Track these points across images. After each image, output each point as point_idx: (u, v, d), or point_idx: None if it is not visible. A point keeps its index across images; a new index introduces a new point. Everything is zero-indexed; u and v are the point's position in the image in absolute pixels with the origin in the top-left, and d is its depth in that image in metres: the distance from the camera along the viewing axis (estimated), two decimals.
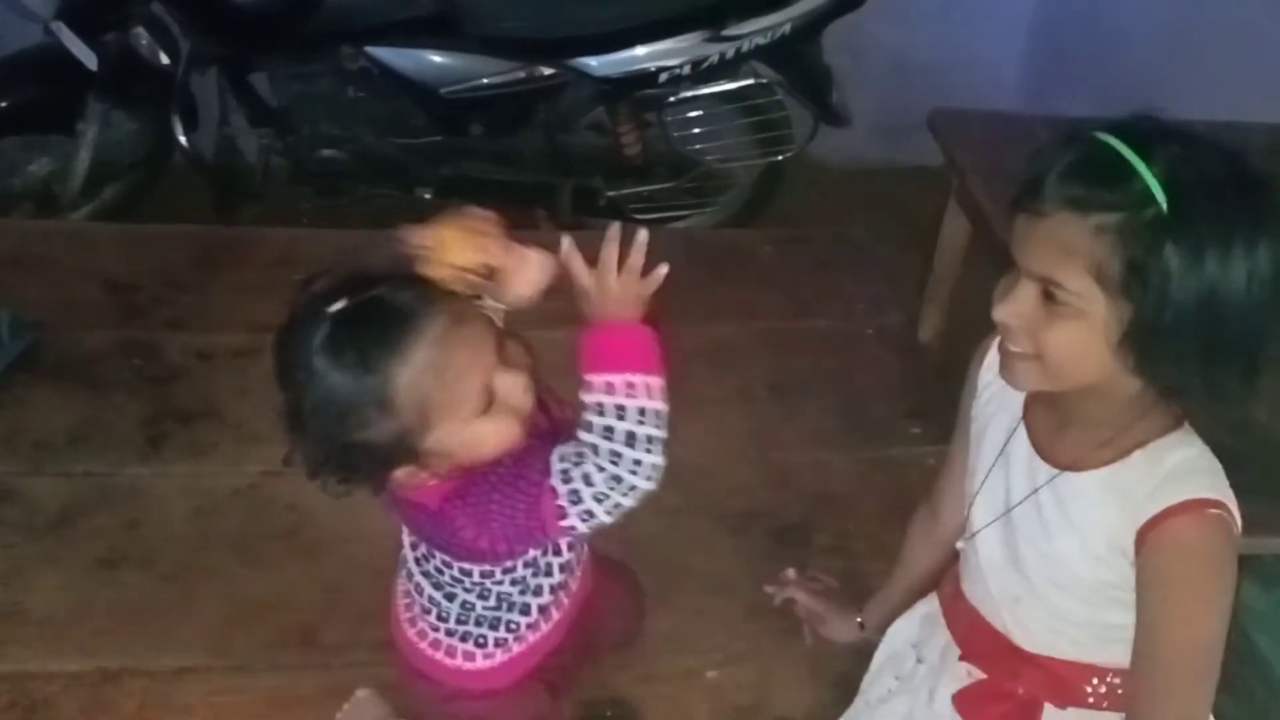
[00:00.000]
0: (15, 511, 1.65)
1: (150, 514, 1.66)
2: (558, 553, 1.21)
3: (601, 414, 1.02)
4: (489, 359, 1.03)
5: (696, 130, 2.69)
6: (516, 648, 1.23)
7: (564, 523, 1.05)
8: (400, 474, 1.04)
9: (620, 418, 1.02)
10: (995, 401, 1.13)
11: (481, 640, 1.22)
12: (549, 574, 1.21)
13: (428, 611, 1.22)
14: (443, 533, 1.11)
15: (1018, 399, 1.09)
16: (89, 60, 2.43)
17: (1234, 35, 2.30)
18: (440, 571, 1.18)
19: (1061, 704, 1.09)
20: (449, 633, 1.22)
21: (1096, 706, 1.08)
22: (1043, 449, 1.05)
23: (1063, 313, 0.90)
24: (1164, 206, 0.84)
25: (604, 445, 1.02)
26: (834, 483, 1.79)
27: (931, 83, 3.23)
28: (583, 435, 1.04)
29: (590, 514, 1.05)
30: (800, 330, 2.10)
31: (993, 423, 1.13)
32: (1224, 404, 0.94)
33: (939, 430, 1.90)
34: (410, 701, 1.34)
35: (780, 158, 2.77)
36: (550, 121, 2.69)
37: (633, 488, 1.04)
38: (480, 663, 1.22)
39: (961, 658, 1.17)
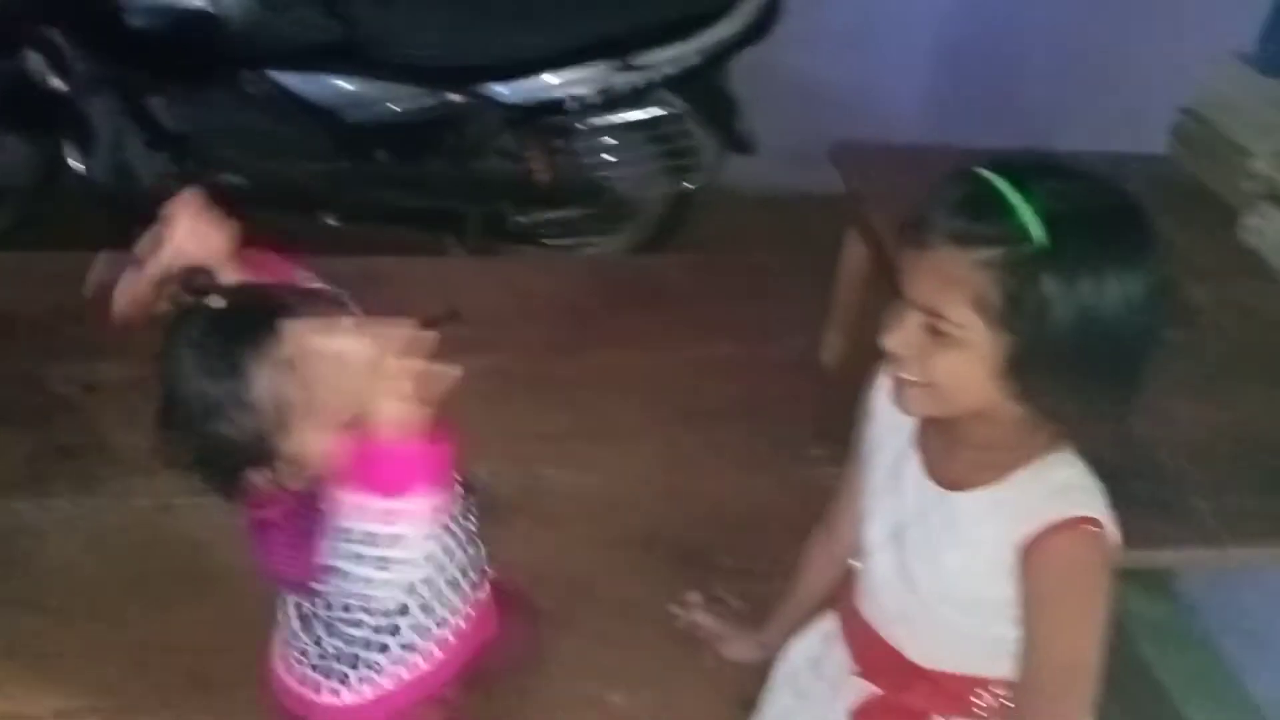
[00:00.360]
0: None
1: (36, 550, 1.61)
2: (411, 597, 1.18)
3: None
4: (358, 378, 0.99)
5: (606, 157, 2.71)
6: (388, 684, 1.21)
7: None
8: (256, 477, 1.03)
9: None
10: (888, 425, 1.15)
11: (344, 678, 1.20)
12: (405, 614, 1.18)
13: (292, 644, 1.21)
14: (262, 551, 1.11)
15: (910, 422, 1.11)
16: None
17: (1120, 68, 2.40)
18: (299, 605, 1.17)
19: (949, 716, 1.12)
20: (313, 667, 1.20)
21: (983, 717, 1.11)
22: (933, 470, 1.08)
23: (946, 342, 0.93)
24: (1042, 240, 0.87)
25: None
26: (739, 505, 1.81)
27: (837, 110, 3.31)
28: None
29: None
30: (707, 356, 2.12)
31: (885, 445, 1.15)
32: (1101, 424, 0.98)
33: (842, 452, 1.91)
34: None
35: (689, 185, 2.80)
36: (458, 148, 2.68)
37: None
38: (347, 699, 1.20)
39: (858, 674, 1.18)
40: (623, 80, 2.55)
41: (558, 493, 1.79)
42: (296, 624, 1.20)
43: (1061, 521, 0.97)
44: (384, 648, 1.19)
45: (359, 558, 1.00)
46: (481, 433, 1.27)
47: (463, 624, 1.25)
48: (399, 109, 2.58)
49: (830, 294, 2.29)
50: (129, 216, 2.63)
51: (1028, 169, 0.91)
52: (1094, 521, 0.98)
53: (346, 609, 1.13)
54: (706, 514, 1.79)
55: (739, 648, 1.49)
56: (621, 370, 2.06)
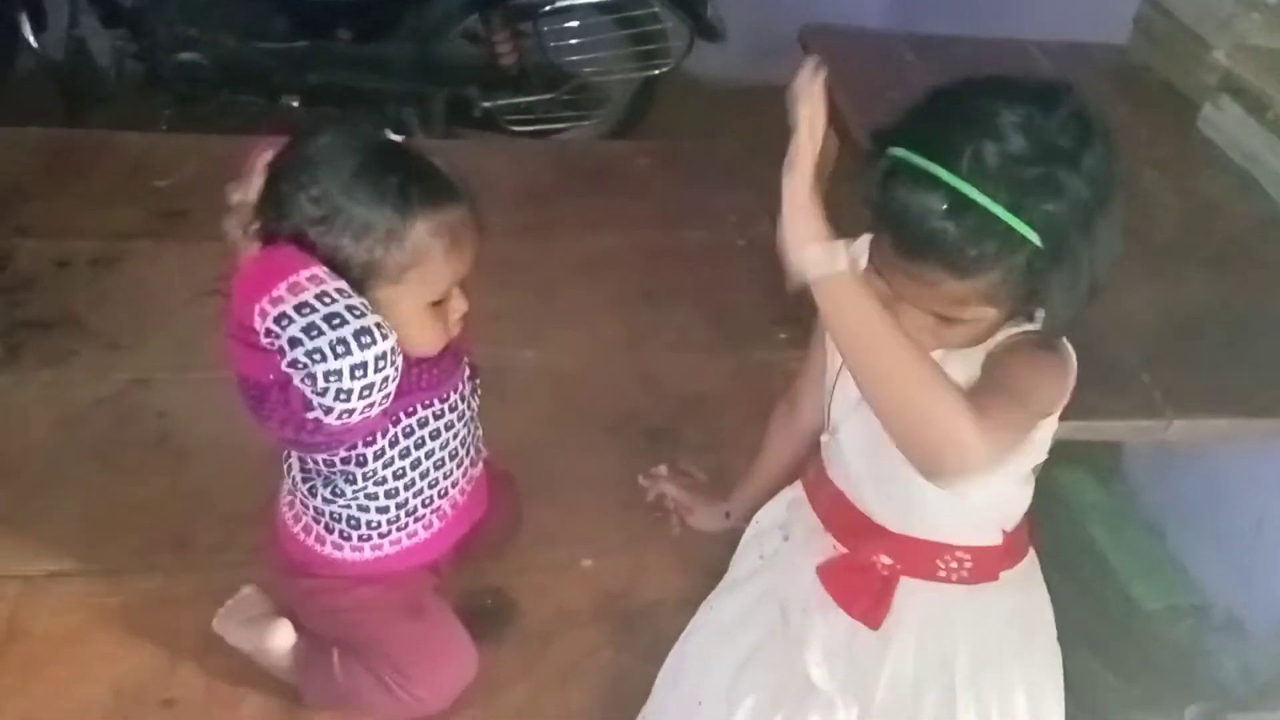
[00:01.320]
0: None
1: (10, 423, 1.62)
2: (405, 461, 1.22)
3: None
4: (466, 269, 1.10)
5: (573, 42, 2.69)
6: (389, 548, 1.26)
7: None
8: None
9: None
10: None
11: (345, 534, 1.25)
12: (399, 478, 1.22)
13: (299, 496, 1.25)
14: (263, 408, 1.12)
15: None
16: None
17: None
18: (303, 461, 1.21)
19: (915, 577, 1.16)
20: (315, 519, 1.25)
21: (947, 580, 1.15)
22: None
23: (959, 323, 0.96)
24: (1038, 242, 0.88)
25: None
26: (704, 386, 1.86)
27: (798, 2, 3.29)
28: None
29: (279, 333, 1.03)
30: (673, 241, 2.15)
31: None
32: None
33: (804, 335, 1.98)
34: (288, 597, 1.35)
35: (656, 72, 2.79)
36: (422, 28, 2.64)
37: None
38: (348, 554, 1.26)
39: (825, 531, 1.23)
40: None
41: (525, 371, 1.82)
42: (299, 480, 1.24)
43: (1016, 332, 1.01)
44: (384, 509, 1.23)
45: (315, 352, 1.00)
46: None
47: (460, 497, 1.30)
48: None
49: None
50: (86, 94, 2.62)
51: (1001, 165, 0.88)
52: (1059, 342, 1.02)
53: (346, 462, 1.17)
54: (672, 393, 1.84)
55: (705, 517, 1.54)
56: (586, 254, 2.08)
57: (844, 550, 1.20)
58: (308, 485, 1.23)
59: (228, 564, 1.46)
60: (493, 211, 2.08)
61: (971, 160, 0.87)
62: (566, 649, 1.44)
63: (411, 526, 1.27)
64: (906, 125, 0.94)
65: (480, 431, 1.34)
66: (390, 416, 1.15)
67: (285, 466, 1.27)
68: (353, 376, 1.01)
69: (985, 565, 1.15)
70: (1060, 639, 1.20)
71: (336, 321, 0.99)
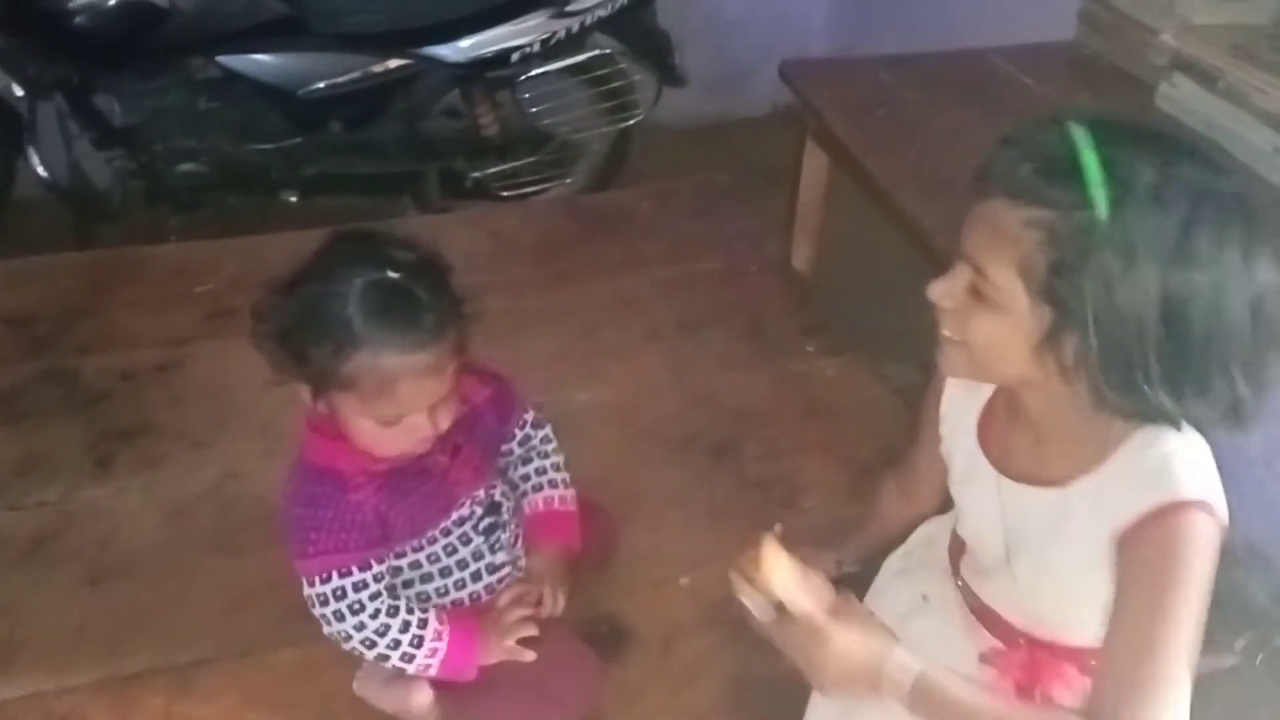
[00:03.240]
0: None
1: (119, 530, 1.69)
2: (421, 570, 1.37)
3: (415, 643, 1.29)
4: (427, 400, 1.18)
5: (549, 105, 2.81)
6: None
7: (306, 585, 1.27)
8: (304, 393, 1.19)
9: (409, 657, 1.30)
10: (957, 427, 1.12)
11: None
12: (408, 587, 1.37)
13: None
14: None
15: (972, 422, 1.09)
16: None
17: None
18: None
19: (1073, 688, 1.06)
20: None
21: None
22: (1005, 467, 1.04)
23: (986, 304, 0.89)
24: (1103, 212, 0.80)
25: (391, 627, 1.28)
26: (752, 400, 1.99)
27: (748, 37, 3.48)
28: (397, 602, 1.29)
29: (316, 607, 1.28)
30: (690, 272, 2.29)
31: (956, 447, 1.12)
32: (1196, 425, 0.90)
33: (830, 344, 2.14)
34: None
35: (629, 122, 2.94)
36: (407, 110, 2.77)
37: (344, 639, 1.29)
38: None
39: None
40: (560, 27, 2.64)
41: (587, 407, 1.93)
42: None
43: (1156, 510, 0.88)
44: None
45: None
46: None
47: (486, 595, 1.40)
48: (347, 79, 2.63)
49: (785, 204, 2.48)
50: (93, 214, 2.70)
51: (1128, 134, 0.83)
52: (1199, 504, 0.88)
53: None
54: (724, 410, 1.97)
55: (819, 565, 1.57)
56: (614, 295, 2.21)
57: (995, 643, 1.12)
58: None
59: None
60: (518, 266, 2.27)
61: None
62: (688, 653, 1.55)
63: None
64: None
65: (515, 529, 1.42)
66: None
67: None
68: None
69: None
70: None
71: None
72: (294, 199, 2.77)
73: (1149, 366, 0.83)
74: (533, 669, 1.37)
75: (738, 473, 1.80)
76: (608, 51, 2.79)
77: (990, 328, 0.90)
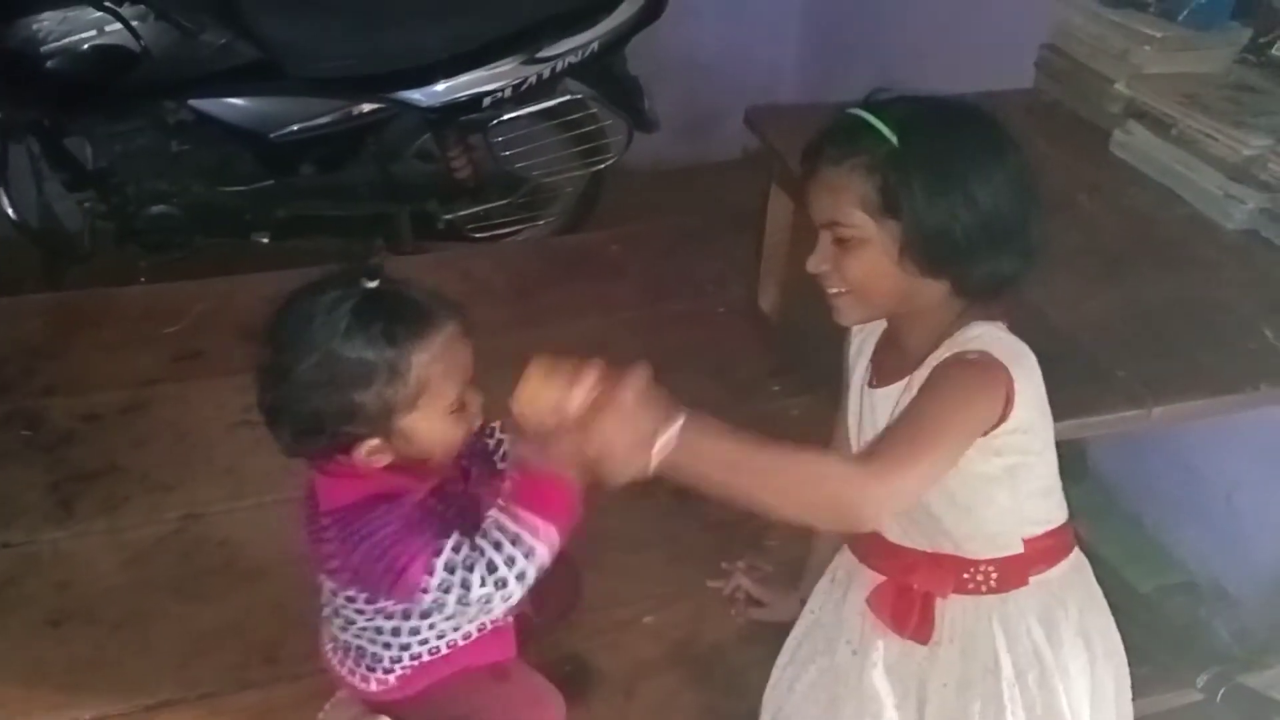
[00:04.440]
0: None
1: (80, 572, 1.68)
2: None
3: (513, 543, 1.18)
4: (469, 371, 1.20)
5: (521, 148, 2.84)
6: (444, 650, 1.33)
7: (421, 593, 1.18)
8: (367, 446, 1.16)
9: (527, 556, 1.19)
10: (857, 370, 1.33)
11: (370, 667, 1.34)
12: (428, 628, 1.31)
13: (328, 629, 1.37)
14: (314, 538, 1.23)
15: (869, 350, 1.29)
16: None
17: (982, 11, 2.64)
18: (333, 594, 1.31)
19: (947, 593, 1.25)
20: (344, 651, 1.36)
21: (977, 591, 1.24)
22: (877, 378, 1.25)
23: (851, 246, 1.11)
24: (893, 141, 1.06)
25: (496, 558, 1.17)
26: None
27: (718, 82, 3.53)
28: (482, 540, 1.19)
29: (445, 594, 1.17)
30: (659, 314, 2.31)
31: (855, 385, 1.33)
32: (1011, 286, 1.13)
33: (795, 384, 2.16)
34: None
35: (600, 166, 2.97)
36: (380, 153, 2.79)
37: (487, 600, 1.19)
38: (373, 687, 1.34)
39: (864, 564, 1.33)
40: (531, 73, 2.68)
41: None
42: (329, 612, 1.34)
43: (955, 355, 1.10)
44: (405, 646, 1.31)
45: (489, 567, 1.16)
46: None
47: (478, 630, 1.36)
48: (319, 122, 2.65)
49: (753, 247, 2.51)
50: (62, 259, 2.70)
51: (886, 101, 1.11)
52: (989, 358, 1.09)
53: (370, 605, 1.27)
54: None
55: (780, 607, 1.62)
56: (583, 336, 2.20)
57: (882, 578, 1.30)
58: (338, 620, 1.33)
59: (318, 670, 1.53)
60: (489, 307, 2.28)
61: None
62: (652, 693, 1.55)
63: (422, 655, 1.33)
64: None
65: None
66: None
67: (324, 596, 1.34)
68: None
69: (1011, 573, 1.23)
70: None
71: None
72: (265, 240, 2.77)
73: (961, 237, 1.07)
74: (498, 703, 1.37)
75: (700, 513, 1.80)
76: (579, 97, 2.83)
77: (861, 262, 1.11)
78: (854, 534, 1.34)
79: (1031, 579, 1.24)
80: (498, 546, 1.18)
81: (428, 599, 1.17)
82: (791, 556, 1.71)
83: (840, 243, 1.12)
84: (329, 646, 1.39)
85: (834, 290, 1.16)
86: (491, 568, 1.17)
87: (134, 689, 1.52)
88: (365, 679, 1.34)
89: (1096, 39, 2.10)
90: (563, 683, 1.51)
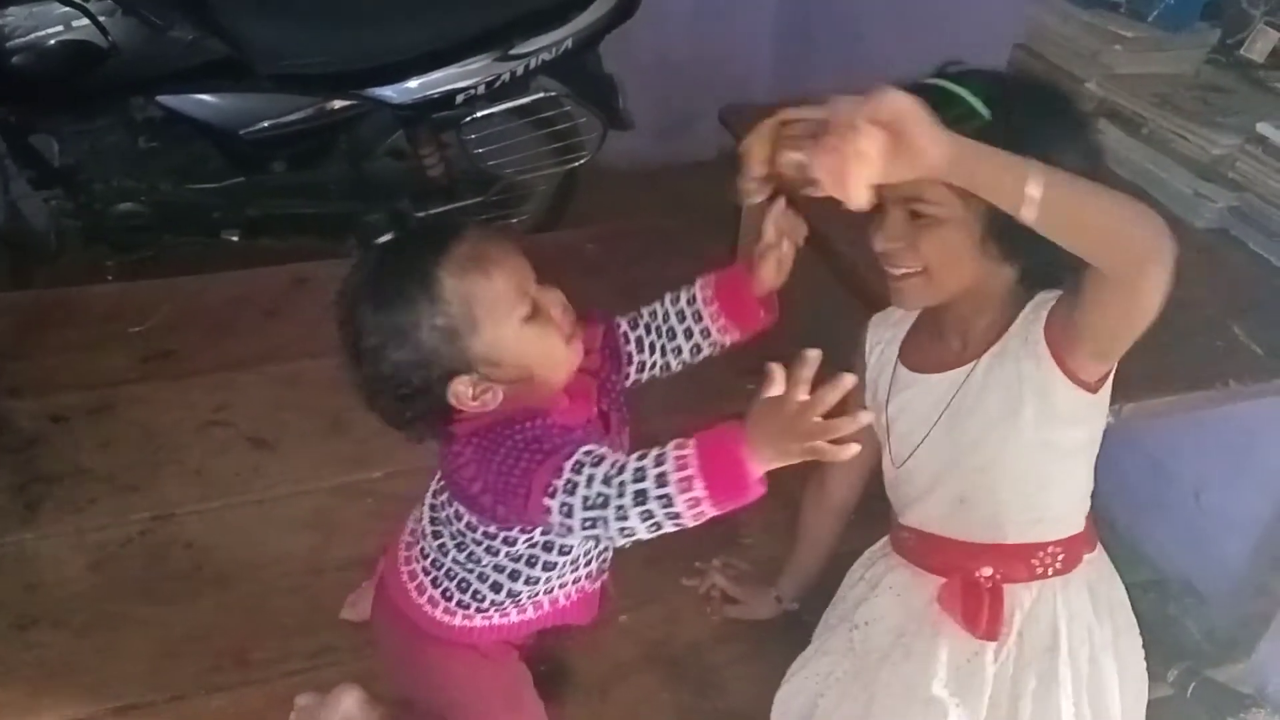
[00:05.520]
0: None
1: (46, 575, 1.66)
2: (548, 555, 1.25)
3: (658, 484, 1.02)
4: (524, 270, 1.14)
5: (494, 146, 2.82)
6: (479, 620, 1.30)
7: (545, 502, 1.05)
8: (459, 385, 1.10)
9: (666, 507, 1.01)
10: (877, 365, 1.32)
11: (449, 594, 1.28)
12: (531, 566, 1.25)
13: (422, 548, 1.29)
14: (450, 466, 1.17)
15: (891, 358, 1.28)
16: None
17: (955, 12, 2.65)
18: (442, 514, 1.26)
19: (1017, 581, 1.23)
20: (427, 572, 1.29)
21: (1045, 576, 1.24)
22: (921, 367, 1.23)
23: (929, 224, 1.08)
24: (985, 114, 1.03)
25: (629, 492, 1.02)
26: None
27: (693, 81, 3.53)
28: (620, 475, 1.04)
29: (569, 513, 1.04)
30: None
31: (878, 382, 1.31)
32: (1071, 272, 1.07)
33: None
34: (385, 641, 1.38)
35: (574, 165, 2.96)
36: (352, 151, 2.77)
37: (606, 523, 1.03)
38: (440, 616, 1.29)
39: (926, 573, 1.29)
40: (505, 70, 2.65)
41: None
42: (428, 532, 1.28)
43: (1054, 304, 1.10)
44: (498, 586, 1.27)
45: (623, 510, 1.00)
46: None
47: (564, 600, 1.34)
48: (290, 120, 2.63)
49: (730, 246, 2.51)
50: (29, 258, 2.66)
51: (965, 71, 1.08)
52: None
53: (490, 535, 1.21)
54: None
55: (756, 605, 1.64)
56: None
57: (933, 578, 1.27)
58: (438, 542, 1.27)
59: (287, 673, 1.53)
60: None
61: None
62: (626, 696, 1.54)
63: (509, 609, 1.30)
64: None
65: (609, 553, 1.36)
66: None
67: (416, 516, 1.31)
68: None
69: (1073, 553, 1.25)
70: None
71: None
72: (235, 239, 2.74)
73: None
74: (480, 703, 1.34)
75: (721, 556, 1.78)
76: (553, 94, 2.81)
77: (940, 242, 1.08)
78: (899, 535, 1.33)
79: (1084, 558, 1.26)
80: (639, 499, 1.01)
81: (553, 514, 1.04)
82: (767, 554, 1.72)
83: (916, 219, 1.08)
84: (405, 571, 1.32)
85: (902, 270, 1.13)
86: (621, 514, 1.01)
87: (103, 692, 1.50)
88: (449, 611, 1.28)
89: (1068, 39, 2.11)
90: (538, 682, 1.51)
